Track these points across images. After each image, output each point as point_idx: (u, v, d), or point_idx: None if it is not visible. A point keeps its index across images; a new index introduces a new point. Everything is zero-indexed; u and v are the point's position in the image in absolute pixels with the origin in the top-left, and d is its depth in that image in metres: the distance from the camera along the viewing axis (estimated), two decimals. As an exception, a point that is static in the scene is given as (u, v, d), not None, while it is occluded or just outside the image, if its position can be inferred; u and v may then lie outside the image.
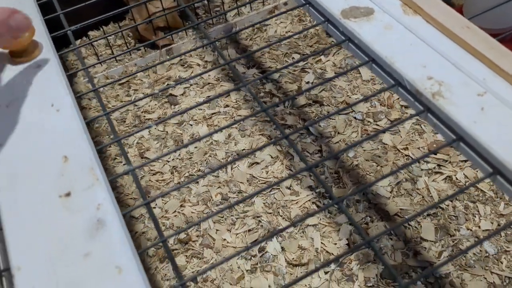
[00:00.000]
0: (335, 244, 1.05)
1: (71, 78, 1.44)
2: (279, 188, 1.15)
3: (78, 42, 1.50)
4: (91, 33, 1.54)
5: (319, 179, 0.48)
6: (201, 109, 1.34)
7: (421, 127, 1.23)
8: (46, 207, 0.42)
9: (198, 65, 1.47)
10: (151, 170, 1.19)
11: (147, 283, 0.38)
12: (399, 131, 1.22)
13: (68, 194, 0.43)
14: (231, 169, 1.19)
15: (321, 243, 1.05)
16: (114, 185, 1.18)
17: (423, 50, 0.54)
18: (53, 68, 0.56)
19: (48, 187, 0.44)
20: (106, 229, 0.40)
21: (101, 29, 1.54)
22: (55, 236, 0.40)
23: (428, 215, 1.07)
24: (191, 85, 1.42)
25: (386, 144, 1.20)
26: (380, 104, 1.28)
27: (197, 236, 1.07)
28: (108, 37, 1.53)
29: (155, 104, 1.37)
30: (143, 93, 1.40)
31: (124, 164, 1.22)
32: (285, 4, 1.61)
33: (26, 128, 0.49)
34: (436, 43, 0.54)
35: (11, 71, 0.55)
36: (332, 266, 1.01)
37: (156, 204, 1.13)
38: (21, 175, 0.45)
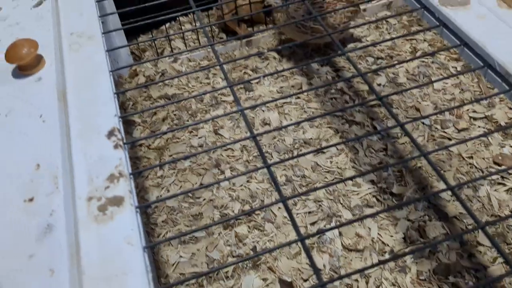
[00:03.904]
0: (392, 236, 1.08)
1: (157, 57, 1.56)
2: (341, 178, 1.20)
3: (167, 25, 1.61)
4: (180, 18, 1.66)
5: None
6: (274, 97, 1.41)
7: (488, 139, 1.24)
8: (9, 209, 0.47)
9: (274, 58, 1.55)
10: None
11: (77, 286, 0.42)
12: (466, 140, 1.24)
13: (31, 200, 0.48)
14: (297, 154, 1.25)
15: (378, 233, 1.09)
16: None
17: (515, 39, 0.59)
18: (50, 81, 0.61)
19: (16, 191, 0.49)
20: (52, 234, 0.45)
21: (189, 16, 1.65)
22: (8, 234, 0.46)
23: (487, 222, 1.09)
24: (265, 75, 1.50)
25: (452, 151, 1.23)
26: (449, 113, 1.31)
27: (260, 210, 1.14)
28: (196, 24, 1.64)
29: (231, 89, 1.46)
30: (220, 78, 1.49)
31: (196, 136, 1.31)
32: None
33: (15, 136, 0.54)
34: (528, 34, 0.59)
35: (15, 83, 0.61)
36: (387, 255, 1.05)
37: (224, 176, 1.21)
38: None
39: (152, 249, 1.10)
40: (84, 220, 0.47)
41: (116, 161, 0.51)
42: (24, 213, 0.47)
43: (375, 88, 0.62)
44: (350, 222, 0.49)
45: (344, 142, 0.62)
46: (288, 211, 0.49)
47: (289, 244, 0.46)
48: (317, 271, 0.44)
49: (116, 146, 0.53)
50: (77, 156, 0.52)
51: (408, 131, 0.56)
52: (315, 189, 0.54)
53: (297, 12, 1.39)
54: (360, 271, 0.45)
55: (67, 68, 0.61)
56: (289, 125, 0.61)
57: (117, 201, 0.48)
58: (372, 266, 0.44)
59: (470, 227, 1.08)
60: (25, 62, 0.59)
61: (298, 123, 1.33)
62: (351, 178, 0.71)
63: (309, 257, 0.46)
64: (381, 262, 0.45)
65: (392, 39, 0.89)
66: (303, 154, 0.57)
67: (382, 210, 1.10)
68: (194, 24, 1.65)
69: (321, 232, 0.59)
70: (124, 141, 0.54)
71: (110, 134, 0.54)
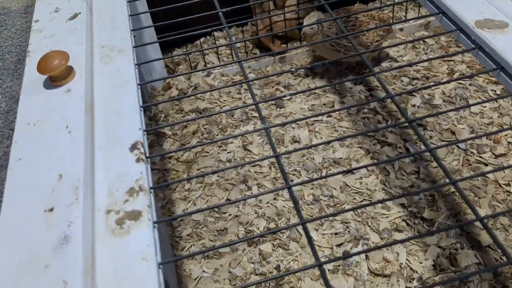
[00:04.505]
0: (421, 263, 1.05)
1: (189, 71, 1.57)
2: (371, 200, 1.17)
3: (202, 39, 1.63)
4: (215, 33, 1.67)
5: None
6: (305, 115, 1.40)
7: (528, 166, 1.19)
8: (30, 218, 0.47)
9: (307, 75, 1.54)
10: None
11: None
12: (504, 166, 1.19)
13: (51, 210, 0.48)
14: (326, 173, 1.23)
15: (407, 259, 1.05)
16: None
17: (556, 64, 0.56)
18: (78, 93, 0.61)
19: (38, 200, 0.49)
20: (68, 246, 0.45)
21: (224, 31, 1.66)
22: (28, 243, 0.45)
23: (523, 253, 1.03)
24: (292, 94, 1.49)
25: (488, 177, 1.18)
26: (486, 138, 1.27)
27: (286, 229, 1.13)
28: (230, 39, 1.65)
29: (262, 105, 1.45)
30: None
31: (225, 151, 1.31)
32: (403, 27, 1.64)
33: (41, 145, 0.55)
34: None
35: (46, 93, 0.61)
36: (415, 283, 1.01)
37: (251, 193, 1.20)
38: (22, 186, 0.50)
39: (175, 263, 1.10)
40: (101, 232, 0.47)
41: (137, 175, 0.51)
42: (44, 222, 0.47)
43: (406, 111, 0.60)
44: (378, 247, 0.47)
45: (375, 164, 0.60)
46: (307, 234, 0.47)
47: (307, 268, 0.44)
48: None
49: (138, 160, 0.53)
50: (99, 168, 0.52)
51: (437, 158, 0.54)
52: (340, 212, 0.53)
53: (330, 29, 1.38)
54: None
55: (96, 81, 0.62)
56: (318, 144, 0.59)
57: (134, 215, 0.47)
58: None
59: (505, 258, 1.03)
60: (56, 73, 0.60)
61: (328, 142, 1.31)
62: (381, 202, 0.67)
63: (326, 282, 0.44)
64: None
65: (429, 59, 0.87)
66: (332, 175, 0.55)
67: (413, 236, 1.07)
68: (228, 39, 1.66)
69: (344, 257, 0.57)
70: (147, 155, 0.54)
71: (133, 147, 0.54)
